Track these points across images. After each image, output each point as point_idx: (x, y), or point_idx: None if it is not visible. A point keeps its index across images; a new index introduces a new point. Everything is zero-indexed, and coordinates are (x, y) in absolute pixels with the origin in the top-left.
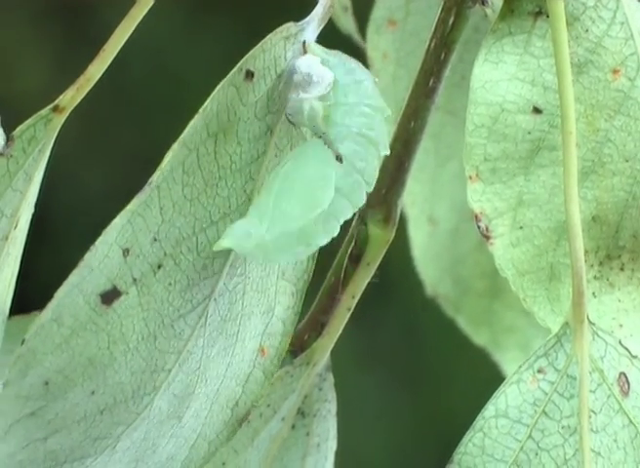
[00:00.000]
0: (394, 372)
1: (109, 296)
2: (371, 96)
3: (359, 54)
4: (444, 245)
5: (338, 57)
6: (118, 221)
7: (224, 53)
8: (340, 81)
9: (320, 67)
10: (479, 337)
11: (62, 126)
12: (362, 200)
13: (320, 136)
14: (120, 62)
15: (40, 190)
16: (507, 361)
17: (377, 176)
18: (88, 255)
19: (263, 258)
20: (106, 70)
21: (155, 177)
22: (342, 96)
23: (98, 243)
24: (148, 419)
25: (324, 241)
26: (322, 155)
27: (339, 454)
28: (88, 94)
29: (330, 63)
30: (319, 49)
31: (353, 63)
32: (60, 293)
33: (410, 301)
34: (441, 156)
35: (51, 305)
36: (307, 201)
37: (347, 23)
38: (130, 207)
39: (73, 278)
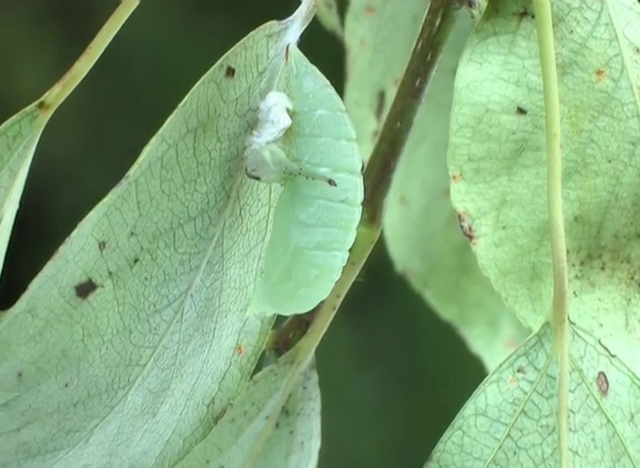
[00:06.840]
0: (392, 372)
1: (85, 289)
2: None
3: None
4: (415, 223)
5: (314, 74)
6: (94, 214)
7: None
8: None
9: (281, 110)
10: (447, 312)
11: (63, 127)
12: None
13: (298, 174)
14: (120, 62)
15: (40, 190)
16: (474, 336)
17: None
18: (63, 248)
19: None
20: (107, 71)
21: (132, 171)
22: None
23: (73, 235)
24: (122, 413)
25: (335, 270)
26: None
27: (336, 453)
28: (88, 94)
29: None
30: (300, 57)
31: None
32: (35, 285)
33: (408, 301)
34: (414, 138)
35: (25, 297)
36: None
37: (331, 20)
38: (106, 200)
39: (48, 270)
